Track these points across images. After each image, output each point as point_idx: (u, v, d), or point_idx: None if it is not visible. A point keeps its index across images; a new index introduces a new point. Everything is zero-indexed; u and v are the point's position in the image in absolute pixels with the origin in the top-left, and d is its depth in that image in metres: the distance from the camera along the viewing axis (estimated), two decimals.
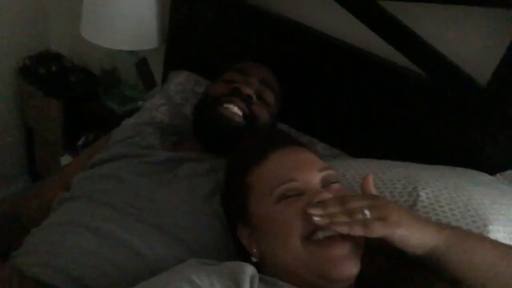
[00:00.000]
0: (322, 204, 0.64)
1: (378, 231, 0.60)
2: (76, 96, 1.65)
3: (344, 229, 0.61)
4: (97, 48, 1.48)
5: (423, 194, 0.85)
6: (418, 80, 1.04)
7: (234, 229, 0.76)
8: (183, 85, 1.28)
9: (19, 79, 1.77)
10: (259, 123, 0.96)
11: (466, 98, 1.00)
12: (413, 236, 0.62)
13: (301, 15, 1.17)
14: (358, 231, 0.61)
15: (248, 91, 0.94)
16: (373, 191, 0.71)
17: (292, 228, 0.65)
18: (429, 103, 1.04)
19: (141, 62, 1.51)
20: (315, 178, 0.70)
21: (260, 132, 0.84)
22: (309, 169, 0.70)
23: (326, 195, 0.65)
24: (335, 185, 0.71)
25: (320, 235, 0.64)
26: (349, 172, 0.96)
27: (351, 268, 0.63)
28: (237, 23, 1.25)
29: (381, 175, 0.92)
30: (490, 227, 0.80)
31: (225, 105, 0.92)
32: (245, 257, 0.72)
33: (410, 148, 1.06)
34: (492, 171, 0.98)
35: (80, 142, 1.68)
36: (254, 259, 0.71)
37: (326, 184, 0.70)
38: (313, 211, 0.63)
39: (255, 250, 0.71)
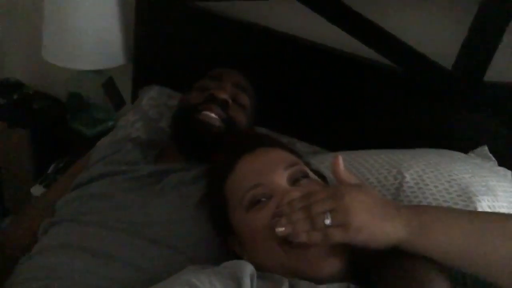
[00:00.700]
0: (286, 208, 0.62)
1: (337, 238, 0.58)
2: (42, 123, 1.60)
3: (303, 239, 0.59)
4: (61, 71, 1.45)
5: (407, 176, 0.88)
6: (389, 71, 1.08)
7: (224, 238, 0.76)
8: (155, 99, 1.27)
9: None
10: (237, 127, 0.97)
11: (435, 83, 1.05)
12: (374, 238, 0.59)
13: (267, 18, 1.20)
14: (317, 240, 0.59)
15: (223, 96, 0.94)
16: (343, 173, 0.66)
17: (266, 234, 0.64)
18: (400, 92, 1.09)
19: (108, 82, 1.49)
20: (281, 178, 0.69)
21: (228, 141, 0.84)
22: (273, 170, 0.70)
23: (294, 194, 0.63)
24: (304, 180, 0.70)
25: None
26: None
27: (329, 266, 0.63)
28: (203, 32, 1.26)
29: (364, 163, 0.95)
30: (474, 198, 0.84)
31: (203, 113, 0.92)
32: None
33: (387, 137, 1.08)
34: (465, 150, 1.02)
35: (50, 171, 1.63)
36: None
37: (294, 180, 0.70)
38: (276, 226, 0.60)
39: (245, 256, 0.71)
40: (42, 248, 0.78)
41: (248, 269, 0.60)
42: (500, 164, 1.00)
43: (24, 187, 1.64)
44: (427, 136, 1.06)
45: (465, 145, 1.03)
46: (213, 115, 0.92)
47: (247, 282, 0.58)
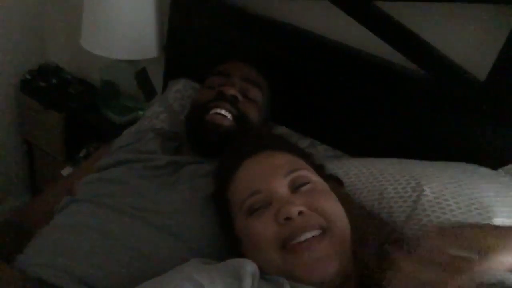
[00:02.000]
0: None
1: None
2: (77, 108, 1.66)
3: None
4: (97, 59, 1.49)
5: (427, 189, 0.85)
6: (416, 78, 1.05)
7: (228, 238, 0.76)
8: (181, 92, 1.29)
9: (18, 93, 1.77)
10: (249, 122, 0.96)
11: (465, 94, 1.01)
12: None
13: (299, 19, 1.19)
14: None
15: (232, 91, 0.94)
16: None
17: (265, 240, 0.65)
18: (428, 101, 1.05)
19: (141, 72, 1.52)
20: (281, 185, 0.68)
21: (233, 142, 0.84)
22: (274, 177, 0.69)
23: (293, 210, 0.63)
24: (305, 187, 0.69)
25: (293, 243, 0.63)
26: (352, 171, 0.96)
27: (326, 270, 0.62)
28: (234, 29, 1.26)
29: (383, 172, 0.93)
30: (495, 220, 0.81)
31: (212, 111, 0.93)
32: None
33: (410, 146, 1.06)
34: (493, 166, 0.98)
35: (81, 154, 1.68)
36: None
37: (294, 187, 0.69)
38: None
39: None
40: (54, 225, 0.81)
41: (250, 267, 0.60)
42: None
43: (56, 168, 1.71)
44: (452, 148, 1.02)
45: (494, 161, 0.99)
46: (223, 111, 0.92)
47: (248, 281, 0.58)
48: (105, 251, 0.73)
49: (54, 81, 1.73)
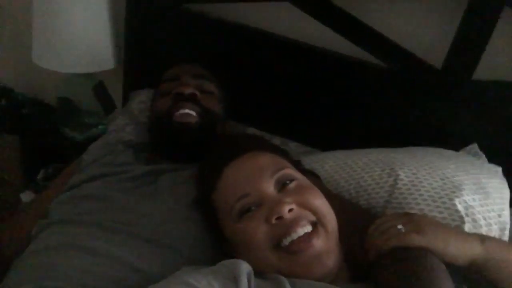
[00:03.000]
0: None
1: (414, 241, 0.64)
2: (32, 129, 1.58)
3: (380, 246, 0.66)
4: (50, 75, 1.43)
5: (401, 173, 0.89)
6: (377, 70, 1.10)
7: (218, 243, 0.76)
8: (145, 103, 1.26)
9: None
10: (214, 114, 0.97)
11: (424, 82, 1.06)
12: (450, 247, 0.66)
13: (257, 19, 1.20)
14: (393, 243, 0.65)
15: (188, 90, 0.94)
16: None
17: (258, 242, 0.65)
18: (391, 91, 1.10)
19: (99, 86, 1.48)
20: (268, 185, 0.69)
21: (213, 147, 0.84)
22: (260, 178, 0.69)
23: (283, 209, 0.64)
24: (292, 184, 0.70)
25: (286, 241, 0.64)
26: (328, 164, 0.98)
27: (323, 267, 0.64)
28: (194, 35, 1.25)
29: (358, 162, 0.95)
30: (466, 197, 0.85)
31: (176, 114, 0.92)
32: None
33: (378, 136, 1.10)
34: (456, 148, 1.04)
35: (39, 176, 1.61)
36: None
37: (281, 186, 0.69)
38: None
39: None
40: (36, 249, 0.77)
41: (244, 267, 0.60)
42: (489, 161, 1.01)
43: (14, 193, 1.62)
44: (418, 135, 1.07)
45: (456, 143, 1.04)
46: (187, 110, 0.93)
47: (244, 281, 0.58)
48: (96, 269, 0.70)
49: (3, 102, 1.64)
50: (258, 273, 0.64)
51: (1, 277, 0.76)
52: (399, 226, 0.67)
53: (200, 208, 0.79)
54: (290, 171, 0.72)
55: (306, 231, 0.65)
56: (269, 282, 0.62)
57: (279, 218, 0.64)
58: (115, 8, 1.37)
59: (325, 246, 0.65)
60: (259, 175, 0.69)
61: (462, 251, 0.67)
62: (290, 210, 0.65)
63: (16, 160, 1.60)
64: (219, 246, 0.75)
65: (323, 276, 0.64)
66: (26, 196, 1.54)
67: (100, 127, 1.54)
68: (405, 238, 0.65)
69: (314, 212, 0.67)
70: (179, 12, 1.25)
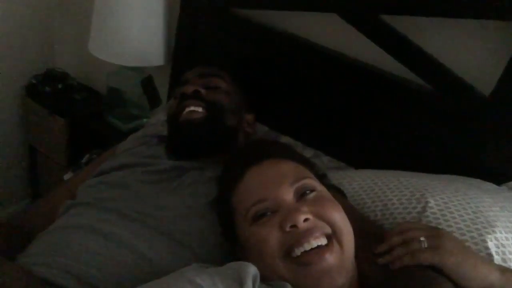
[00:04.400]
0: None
1: (427, 258, 0.64)
2: (81, 114, 1.66)
3: (396, 264, 0.67)
4: (103, 65, 1.50)
5: (432, 201, 0.85)
6: (422, 92, 1.06)
7: (230, 245, 0.76)
8: None
9: (24, 98, 1.78)
10: (220, 106, 0.96)
11: (470, 109, 1.01)
12: (465, 268, 0.65)
13: (307, 31, 1.20)
14: (406, 262, 0.66)
15: (192, 89, 0.95)
16: None
17: (269, 249, 0.64)
18: (433, 115, 1.05)
19: (147, 80, 1.53)
20: (287, 193, 0.68)
21: (238, 150, 0.84)
22: (279, 185, 0.68)
23: (299, 218, 0.63)
24: (311, 195, 0.68)
25: (297, 251, 0.63)
26: (356, 182, 0.96)
27: (334, 281, 0.62)
28: (240, 39, 1.27)
29: (388, 183, 0.92)
30: (499, 235, 0.80)
31: (183, 113, 0.94)
32: None
33: (415, 159, 1.06)
34: (496, 182, 0.98)
35: (83, 160, 1.68)
36: None
37: (300, 196, 0.68)
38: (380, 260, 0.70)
39: None
40: (57, 226, 0.81)
41: (251, 270, 0.59)
42: None
43: (58, 173, 1.70)
44: (457, 164, 1.02)
45: (497, 177, 0.99)
46: (192, 108, 0.93)
47: (249, 284, 0.57)
48: (108, 253, 0.72)
49: (59, 86, 1.74)
50: (265, 279, 0.64)
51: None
52: (422, 239, 0.68)
53: (217, 208, 0.80)
54: (312, 181, 0.71)
55: (319, 243, 0.63)
56: (271, 286, 0.61)
57: (293, 226, 0.63)
58: (169, 9, 1.42)
59: (338, 262, 0.63)
60: (279, 182, 0.69)
61: (479, 275, 0.65)
62: (306, 220, 0.64)
63: (63, 142, 1.69)
64: (231, 248, 0.75)
65: None
66: (69, 177, 1.62)
67: (144, 119, 1.59)
68: (417, 257, 0.65)
69: (330, 224, 0.65)
70: (227, 16, 1.27)
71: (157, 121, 1.27)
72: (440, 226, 0.82)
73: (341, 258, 0.64)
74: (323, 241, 0.64)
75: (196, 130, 0.92)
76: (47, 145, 1.78)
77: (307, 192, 0.69)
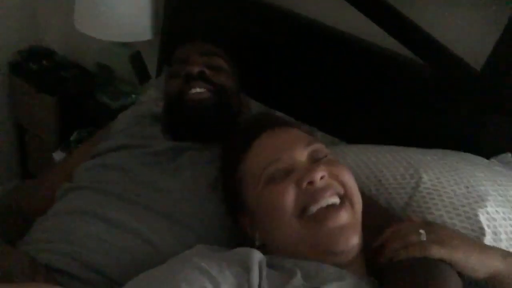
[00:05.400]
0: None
1: (435, 252, 0.62)
2: (70, 92, 1.64)
3: (400, 254, 0.64)
4: (91, 42, 1.47)
5: (425, 176, 0.86)
6: (414, 67, 1.06)
7: (235, 219, 0.77)
8: None
9: (10, 76, 1.74)
10: (226, 89, 0.96)
11: (462, 83, 1.02)
12: (471, 260, 0.64)
13: (298, 5, 1.18)
14: (415, 253, 0.63)
15: (197, 69, 0.93)
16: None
17: (284, 208, 0.65)
18: (424, 89, 1.06)
19: (135, 55, 1.51)
20: (301, 154, 0.69)
21: (245, 120, 0.84)
22: (294, 147, 0.70)
23: (316, 175, 0.65)
24: (324, 159, 0.70)
25: (313, 209, 0.64)
26: (350, 157, 0.97)
27: (350, 239, 0.64)
28: (230, 13, 1.25)
29: (382, 159, 0.93)
30: (490, 209, 0.82)
31: (189, 93, 0.92)
32: (251, 242, 0.73)
33: (407, 134, 1.07)
34: (487, 155, 1.00)
35: (72, 138, 1.67)
36: (258, 243, 0.71)
37: (314, 159, 0.70)
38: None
39: (257, 235, 0.71)
40: (57, 211, 0.81)
41: (256, 256, 0.60)
42: None
43: (48, 152, 1.69)
44: (448, 137, 1.03)
45: (487, 151, 1.00)
46: (198, 89, 0.92)
47: (255, 270, 0.58)
48: (111, 238, 0.73)
49: (46, 64, 1.70)
50: (273, 252, 0.65)
51: (24, 233, 0.81)
52: (421, 231, 0.65)
53: (221, 185, 0.80)
54: (323, 146, 0.73)
55: (334, 201, 0.65)
56: (281, 272, 0.62)
57: (311, 183, 0.65)
58: None
59: (351, 221, 0.66)
60: (294, 144, 0.71)
61: (483, 264, 0.65)
62: (322, 178, 0.65)
63: (52, 120, 1.66)
64: (236, 219, 0.76)
65: (348, 251, 0.64)
66: (58, 156, 1.61)
67: (133, 96, 1.58)
68: (427, 249, 0.63)
69: (343, 185, 0.68)
70: None
71: (149, 99, 1.25)
72: (433, 201, 0.83)
73: (353, 218, 0.66)
74: (337, 200, 0.66)
75: (203, 112, 0.91)
76: (36, 124, 1.76)
77: (321, 156, 0.71)
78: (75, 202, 0.81)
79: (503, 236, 0.80)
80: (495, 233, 0.80)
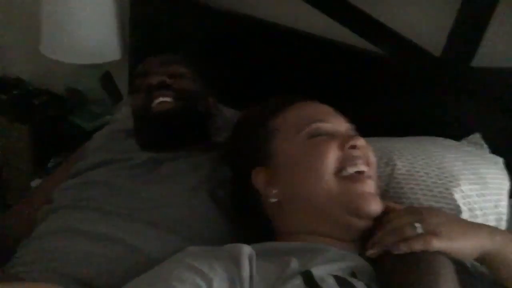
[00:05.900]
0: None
1: (436, 246, 0.62)
2: (43, 118, 1.62)
3: (401, 248, 0.62)
4: (59, 66, 1.46)
5: (399, 163, 0.89)
6: (376, 58, 1.09)
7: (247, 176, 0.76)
8: None
9: None
10: (189, 93, 0.96)
11: (423, 70, 1.05)
12: (467, 246, 0.64)
13: (261, 11, 1.21)
14: (418, 247, 0.61)
15: (157, 79, 0.94)
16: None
17: (326, 163, 0.68)
18: (390, 80, 1.09)
19: (105, 76, 1.50)
20: (343, 125, 0.75)
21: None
22: (338, 116, 0.76)
23: (359, 141, 0.70)
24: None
25: (350, 170, 0.69)
26: None
27: (378, 205, 0.68)
28: (200, 25, 1.26)
29: None
30: (464, 187, 0.85)
31: (153, 105, 0.92)
32: (259, 204, 0.74)
33: (378, 125, 1.09)
34: (457, 137, 1.03)
35: (50, 164, 1.65)
36: (272, 200, 0.72)
37: (350, 133, 0.75)
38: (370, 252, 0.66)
39: (274, 191, 0.72)
40: (41, 233, 0.80)
41: (245, 250, 0.61)
42: (492, 151, 1.00)
43: (25, 181, 1.66)
44: (418, 124, 1.06)
45: (457, 133, 1.04)
46: (161, 99, 0.92)
47: (245, 263, 0.59)
48: (98, 250, 0.73)
49: (15, 93, 1.68)
50: (264, 252, 0.64)
51: (8, 257, 0.80)
52: (417, 224, 0.63)
53: (205, 187, 0.83)
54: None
55: (366, 169, 0.70)
56: (272, 262, 0.62)
57: (353, 147, 0.70)
58: (121, 1, 1.39)
59: (376, 190, 0.71)
60: (335, 114, 0.76)
61: (473, 248, 0.65)
62: (360, 147, 0.71)
63: (26, 148, 1.64)
64: (247, 175, 0.75)
65: (372, 216, 0.67)
66: (37, 184, 1.58)
67: (107, 116, 1.57)
68: (429, 243, 0.62)
69: (369, 164, 0.72)
70: (182, 3, 1.26)
71: (122, 116, 1.25)
72: (409, 186, 0.86)
73: (376, 190, 0.71)
74: (367, 170, 0.71)
75: (170, 119, 0.92)
76: (10, 154, 1.73)
77: (353, 134, 0.76)
78: (58, 222, 0.80)
79: (478, 212, 0.83)
80: (470, 210, 0.83)
